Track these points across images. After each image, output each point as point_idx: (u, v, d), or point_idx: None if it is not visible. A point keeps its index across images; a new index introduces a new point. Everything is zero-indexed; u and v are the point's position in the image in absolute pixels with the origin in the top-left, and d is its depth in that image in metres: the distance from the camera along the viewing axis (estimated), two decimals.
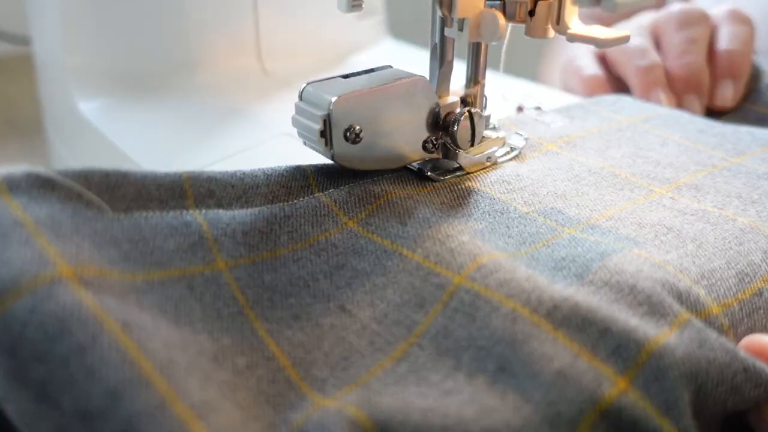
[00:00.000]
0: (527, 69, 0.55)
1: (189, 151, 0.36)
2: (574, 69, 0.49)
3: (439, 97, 0.30)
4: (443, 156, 0.31)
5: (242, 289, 0.24)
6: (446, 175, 0.30)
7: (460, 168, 0.30)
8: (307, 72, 0.48)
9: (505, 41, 0.31)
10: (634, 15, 0.51)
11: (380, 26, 0.56)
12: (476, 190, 0.29)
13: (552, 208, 0.28)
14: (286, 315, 0.24)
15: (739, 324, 0.23)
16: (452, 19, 0.26)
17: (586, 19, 0.31)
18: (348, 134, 0.27)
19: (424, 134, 0.30)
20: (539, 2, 0.26)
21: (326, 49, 0.50)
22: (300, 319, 0.24)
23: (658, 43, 0.47)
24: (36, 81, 0.59)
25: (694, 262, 0.24)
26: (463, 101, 0.31)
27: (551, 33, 0.26)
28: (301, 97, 0.28)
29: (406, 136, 0.29)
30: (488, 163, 0.31)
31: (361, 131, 0.27)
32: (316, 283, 0.25)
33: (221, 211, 0.26)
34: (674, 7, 0.47)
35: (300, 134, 0.28)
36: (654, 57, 0.44)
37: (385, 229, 0.26)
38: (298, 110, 0.28)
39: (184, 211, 0.25)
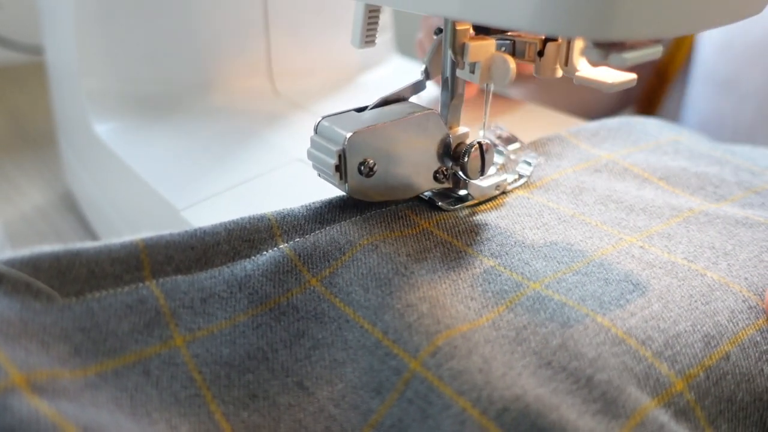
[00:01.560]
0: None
1: (204, 177, 0.37)
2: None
3: (450, 128, 0.31)
4: (453, 185, 0.32)
5: (199, 367, 0.23)
6: (456, 204, 0.31)
7: (470, 197, 0.31)
8: (318, 92, 0.49)
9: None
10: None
11: (389, 44, 0.57)
12: (443, 241, 0.29)
13: (519, 260, 0.28)
14: (242, 394, 0.23)
15: (706, 396, 0.23)
16: (464, 62, 0.27)
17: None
18: (362, 168, 0.28)
19: (435, 165, 0.31)
20: (548, 43, 0.27)
21: (336, 68, 0.50)
22: (257, 398, 0.23)
23: None
24: (48, 91, 0.60)
25: (658, 326, 0.24)
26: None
27: (559, 73, 0.27)
28: (316, 131, 0.29)
29: (417, 167, 0.30)
30: (497, 192, 0.32)
31: (375, 165, 0.28)
32: (275, 355, 0.24)
33: (180, 278, 0.25)
34: None
35: (315, 167, 0.29)
36: None
37: (348, 294, 0.26)
38: (314, 144, 0.29)
39: (141, 284, 0.24)
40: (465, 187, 0.31)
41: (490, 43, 0.26)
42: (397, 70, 0.55)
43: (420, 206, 0.31)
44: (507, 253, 0.28)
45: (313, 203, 0.29)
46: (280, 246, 0.27)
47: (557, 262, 0.27)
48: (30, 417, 0.18)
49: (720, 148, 0.39)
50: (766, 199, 0.33)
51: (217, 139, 0.42)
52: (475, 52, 0.26)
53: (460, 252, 0.28)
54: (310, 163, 0.29)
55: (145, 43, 0.45)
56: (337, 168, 0.28)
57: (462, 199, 0.31)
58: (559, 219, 0.31)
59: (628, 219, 0.31)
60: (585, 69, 0.26)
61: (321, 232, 0.28)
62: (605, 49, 0.21)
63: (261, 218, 0.27)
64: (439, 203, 0.31)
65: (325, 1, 0.48)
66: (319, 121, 0.29)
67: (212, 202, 0.35)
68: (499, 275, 0.26)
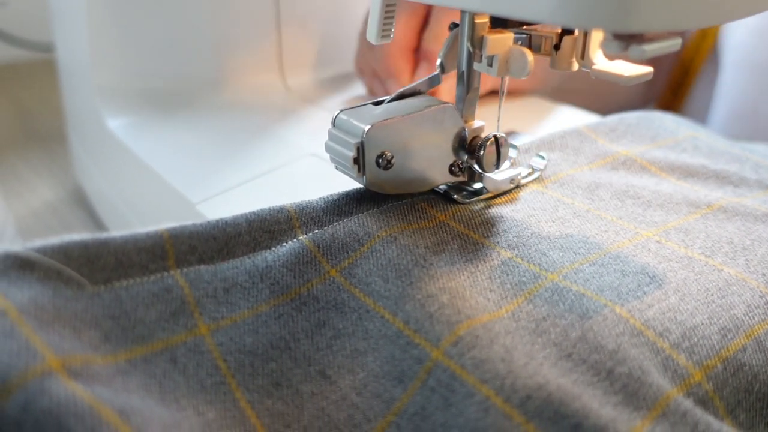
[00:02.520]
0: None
1: (218, 171, 0.38)
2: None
3: (465, 122, 0.31)
4: (468, 179, 0.32)
5: (224, 356, 0.24)
6: (471, 197, 0.31)
7: (485, 190, 0.32)
8: (328, 87, 0.49)
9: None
10: None
11: None
12: (460, 233, 0.29)
13: (536, 251, 0.28)
14: (266, 382, 0.24)
15: (724, 386, 0.23)
16: (481, 55, 0.27)
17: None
18: (380, 161, 0.28)
19: (451, 158, 0.31)
20: (565, 36, 0.27)
21: (346, 63, 0.51)
22: (281, 387, 0.24)
23: None
24: (56, 88, 0.60)
25: (675, 318, 0.24)
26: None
27: (575, 66, 0.27)
28: (334, 124, 0.29)
29: (433, 161, 0.30)
30: (512, 185, 0.32)
31: (392, 158, 0.28)
32: (297, 344, 0.25)
33: (203, 267, 0.25)
34: None
35: (332, 159, 0.29)
36: None
37: (368, 285, 0.26)
38: (332, 137, 0.29)
39: (166, 273, 0.25)
40: (480, 180, 0.32)
41: (508, 36, 0.26)
42: None
43: (436, 199, 0.31)
44: (524, 245, 0.28)
45: (331, 195, 0.29)
46: (300, 237, 0.27)
47: (574, 253, 0.27)
48: (68, 400, 0.18)
49: (738, 146, 0.39)
50: None
51: (229, 133, 0.42)
52: (494, 45, 0.26)
53: (478, 244, 0.28)
54: (323, 157, 0.30)
55: (157, 39, 0.45)
56: (356, 160, 0.28)
57: (477, 193, 0.32)
58: (575, 213, 0.31)
59: (645, 214, 0.31)
60: (601, 62, 0.26)
61: (339, 224, 0.28)
62: (625, 41, 0.22)
63: (281, 210, 0.27)
64: (455, 196, 0.31)
65: None
66: (337, 114, 0.29)
67: (227, 197, 0.35)
68: (517, 266, 0.27)
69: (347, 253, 0.27)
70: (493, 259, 0.27)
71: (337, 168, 0.30)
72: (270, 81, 0.48)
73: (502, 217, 0.30)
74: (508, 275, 0.26)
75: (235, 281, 0.25)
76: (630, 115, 0.41)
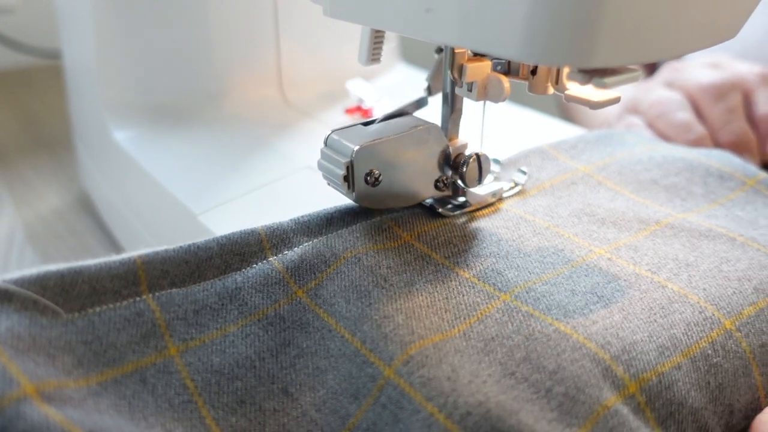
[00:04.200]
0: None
1: (219, 183, 0.40)
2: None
3: (450, 140, 0.33)
4: (452, 193, 0.34)
5: (192, 375, 0.25)
6: (455, 211, 0.33)
7: (468, 203, 0.34)
8: (326, 101, 0.51)
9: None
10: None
11: (394, 53, 0.59)
12: (423, 254, 0.30)
13: (492, 270, 0.29)
14: (231, 400, 0.25)
15: (657, 398, 0.24)
16: (462, 81, 0.29)
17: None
18: (368, 178, 0.30)
19: (436, 174, 0.33)
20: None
21: (343, 77, 0.53)
22: (245, 404, 0.25)
23: (699, 115, 0.50)
24: (62, 95, 0.62)
25: (617, 334, 0.26)
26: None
27: (551, 90, 0.29)
28: (326, 144, 0.31)
29: (419, 177, 0.32)
30: (493, 199, 0.34)
31: (380, 175, 0.30)
32: (262, 363, 0.26)
33: (174, 291, 0.27)
34: (704, 78, 0.50)
35: (325, 176, 0.32)
36: (699, 130, 0.48)
37: (332, 306, 0.27)
38: (324, 156, 0.31)
39: (138, 298, 0.26)
40: (464, 194, 0.34)
41: (485, 65, 0.28)
42: (403, 77, 0.58)
43: (403, 218, 0.32)
44: (481, 264, 0.30)
45: (302, 217, 0.31)
46: (270, 258, 0.29)
47: (528, 272, 0.29)
48: (41, 422, 0.19)
49: (695, 151, 0.41)
50: (729, 211, 0.36)
51: (230, 146, 0.44)
52: (472, 73, 0.28)
53: (438, 264, 0.30)
54: (320, 171, 0.32)
55: (162, 55, 0.47)
56: (345, 178, 0.30)
57: (461, 206, 0.34)
58: (534, 231, 0.33)
59: (599, 231, 0.33)
60: (573, 88, 0.28)
61: (308, 245, 0.29)
62: (588, 74, 0.24)
63: (252, 232, 0.29)
64: (440, 210, 0.33)
65: None
66: (329, 135, 0.31)
67: (228, 207, 0.37)
68: (473, 287, 0.28)
69: (314, 274, 0.29)
70: (451, 280, 0.29)
71: (329, 184, 0.32)
72: (269, 95, 0.50)
73: (464, 236, 0.32)
74: (463, 296, 0.28)
75: (205, 303, 0.27)
76: (591, 132, 0.43)
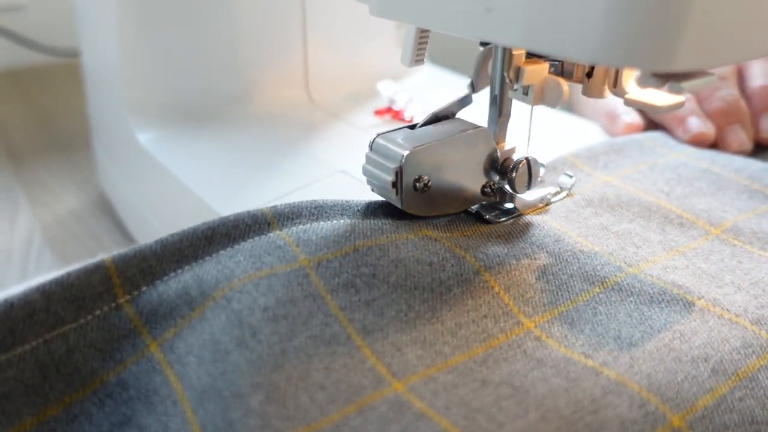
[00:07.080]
0: None
1: (248, 186, 0.39)
2: (613, 115, 0.50)
3: (497, 143, 0.32)
4: (500, 199, 0.33)
5: None
6: (502, 217, 0.32)
7: (516, 210, 0.32)
8: (353, 102, 0.50)
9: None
10: None
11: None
12: (314, 292, 0.23)
13: (390, 345, 0.23)
14: None
15: None
16: (518, 84, 0.28)
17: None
18: (417, 184, 0.29)
19: (483, 179, 0.32)
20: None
21: (369, 78, 0.51)
22: None
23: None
24: (78, 94, 0.61)
25: None
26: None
27: (607, 94, 0.28)
28: (371, 148, 0.30)
29: (467, 182, 0.31)
30: (541, 205, 0.33)
31: (429, 181, 0.29)
32: None
33: None
34: None
35: (369, 182, 0.30)
36: (690, 105, 0.46)
37: (184, 366, 0.21)
38: (369, 161, 0.30)
39: None
40: (511, 200, 0.32)
41: (544, 67, 0.27)
42: (429, 79, 0.56)
43: (308, 237, 0.26)
44: (381, 330, 0.23)
45: (172, 236, 0.24)
46: (120, 300, 0.23)
47: (435, 352, 0.23)
48: None
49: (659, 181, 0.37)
50: (690, 262, 0.30)
51: (258, 148, 0.43)
52: (530, 76, 0.27)
53: (330, 311, 0.23)
54: (353, 174, 0.30)
55: (186, 55, 0.46)
56: (394, 184, 0.29)
57: (508, 212, 0.32)
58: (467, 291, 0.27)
59: (535, 295, 0.27)
60: (634, 91, 0.27)
61: (173, 278, 0.23)
62: (663, 79, 0.22)
63: (96, 268, 0.23)
64: (487, 216, 0.32)
65: (361, 12, 0.49)
66: (374, 139, 0.30)
67: None
68: (364, 362, 0.21)
69: (174, 320, 0.22)
70: (340, 344, 0.22)
71: (373, 190, 0.31)
72: (296, 96, 0.49)
73: (364, 282, 0.25)
74: (349, 373, 0.21)
75: (20, 379, 0.21)
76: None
